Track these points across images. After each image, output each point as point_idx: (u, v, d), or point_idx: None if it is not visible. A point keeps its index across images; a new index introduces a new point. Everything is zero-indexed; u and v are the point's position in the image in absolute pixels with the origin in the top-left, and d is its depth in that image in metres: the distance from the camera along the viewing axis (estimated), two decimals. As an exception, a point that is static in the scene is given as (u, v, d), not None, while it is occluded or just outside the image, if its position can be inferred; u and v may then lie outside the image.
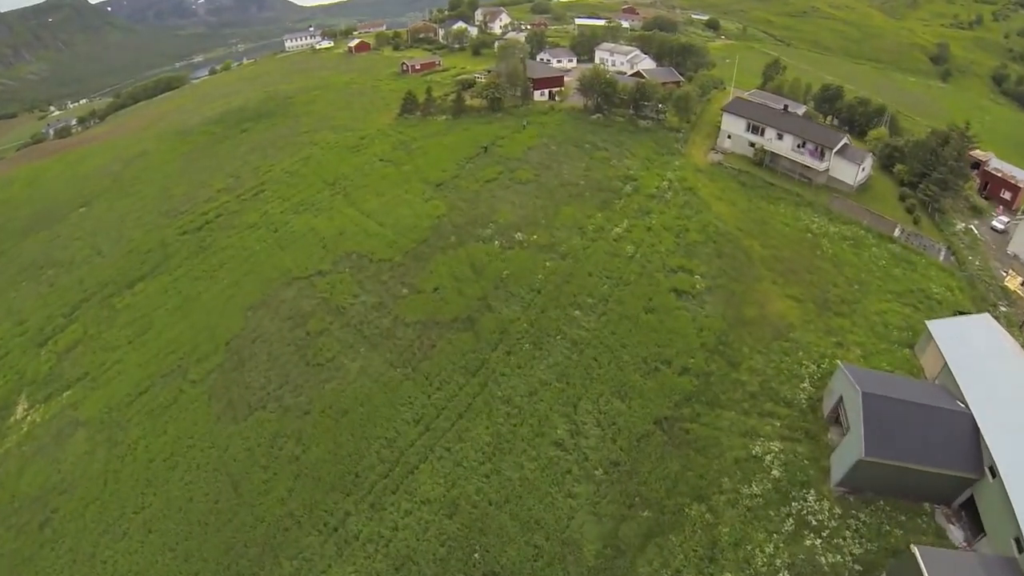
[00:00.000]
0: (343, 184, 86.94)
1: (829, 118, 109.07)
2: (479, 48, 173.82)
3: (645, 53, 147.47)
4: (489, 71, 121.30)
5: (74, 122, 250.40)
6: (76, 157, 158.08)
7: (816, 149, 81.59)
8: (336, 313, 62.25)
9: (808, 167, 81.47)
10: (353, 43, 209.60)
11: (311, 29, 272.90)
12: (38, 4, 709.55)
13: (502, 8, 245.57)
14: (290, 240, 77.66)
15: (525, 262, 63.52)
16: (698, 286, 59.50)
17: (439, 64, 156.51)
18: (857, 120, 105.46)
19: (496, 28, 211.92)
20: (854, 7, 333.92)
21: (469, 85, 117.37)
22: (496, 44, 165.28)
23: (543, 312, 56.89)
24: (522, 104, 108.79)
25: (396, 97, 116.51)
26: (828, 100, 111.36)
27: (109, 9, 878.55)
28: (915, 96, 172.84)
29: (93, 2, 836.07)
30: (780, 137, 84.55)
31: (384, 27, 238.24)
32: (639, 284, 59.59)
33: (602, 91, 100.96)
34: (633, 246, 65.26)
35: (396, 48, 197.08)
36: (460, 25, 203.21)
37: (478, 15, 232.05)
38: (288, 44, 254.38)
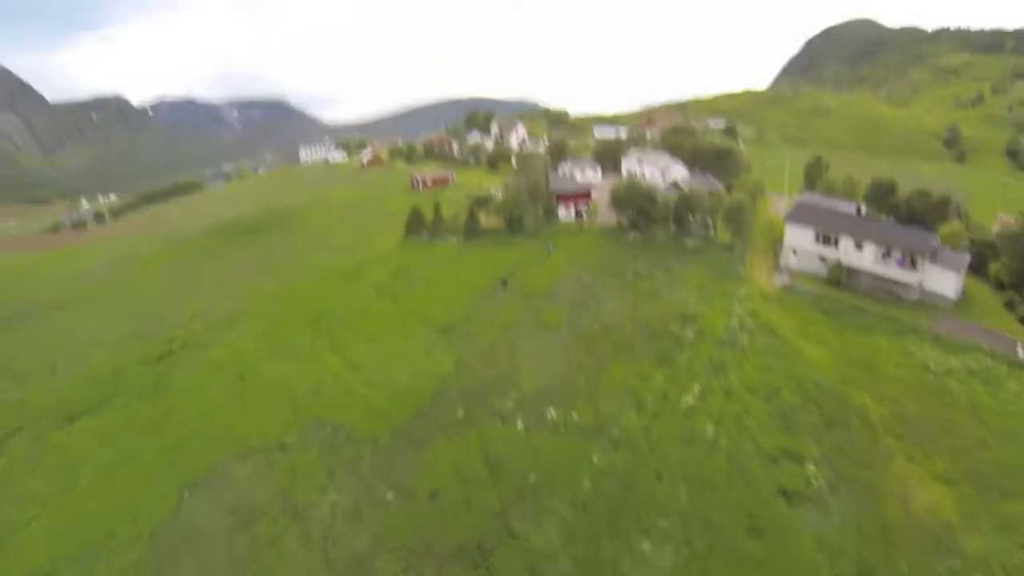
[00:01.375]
0: (329, 322, 72.66)
1: (886, 216, 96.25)
2: (495, 162, 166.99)
3: (676, 160, 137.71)
4: (506, 185, 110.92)
5: (91, 217, 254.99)
6: (71, 253, 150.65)
7: (905, 258, 67.92)
8: (295, 515, 45.44)
9: (896, 281, 68.06)
10: (365, 158, 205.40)
11: (325, 140, 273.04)
12: (85, 100, 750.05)
13: (518, 120, 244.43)
14: (256, 393, 62.30)
15: (562, 456, 46.69)
16: (813, 481, 42.33)
17: (452, 179, 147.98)
18: (917, 215, 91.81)
19: (513, 141, 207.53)
20: (859, 103, 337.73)
21: (484, 202, 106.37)
22: (514, 157, 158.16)
23: (594, 542, 39.51)
24: (545, 224, 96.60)
25: (403, 215, 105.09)
26: (880, 196, 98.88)
27: (151, 113, 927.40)
28: (938, 182, 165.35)
29: (136, 105, 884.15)
30: (859, 247, 71.00)
31: (399, 142, 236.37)
32: (732, 487, 42.39)
33: (639, 206, 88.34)
34: (713, 423, 48.60)
35: (409, 162, 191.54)
36: (475, 138, 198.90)
37: (494, 128, 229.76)
38: (303, 156, 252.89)
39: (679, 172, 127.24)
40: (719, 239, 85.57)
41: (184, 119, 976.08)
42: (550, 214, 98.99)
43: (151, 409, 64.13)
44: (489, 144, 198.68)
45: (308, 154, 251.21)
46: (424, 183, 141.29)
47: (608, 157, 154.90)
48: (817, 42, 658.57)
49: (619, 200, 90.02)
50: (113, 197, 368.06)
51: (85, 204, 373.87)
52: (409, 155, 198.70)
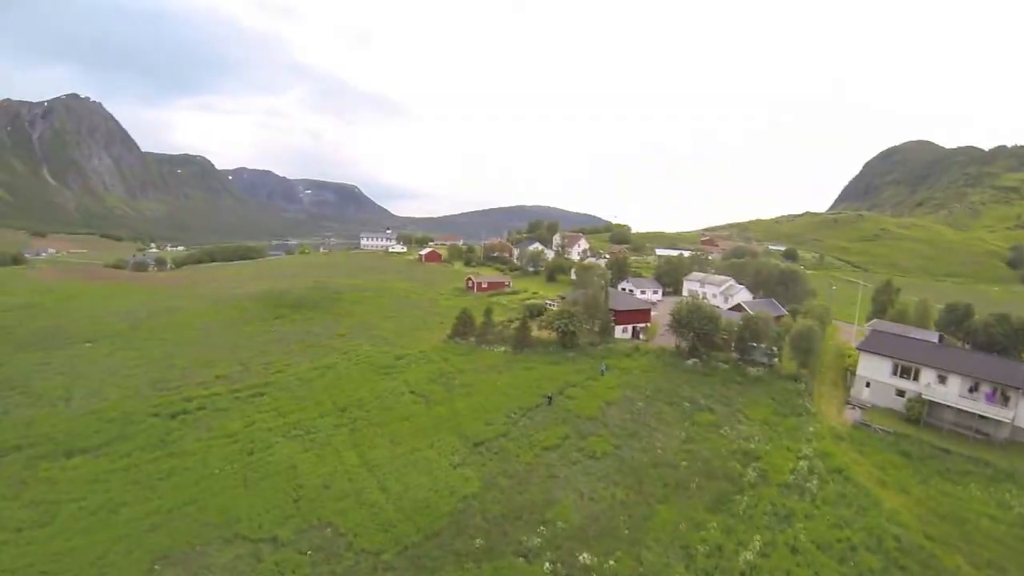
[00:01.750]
0: (354, 414, 66.80)
1: (962, 344, 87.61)
2: (554, 273, 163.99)
3: (738, 283, 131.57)
4: (563, 298, 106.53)
5: (152, 263, 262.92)
6: (120, 291, 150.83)
7: (995, 391, 60.46)
8: (263, 626, 38.01)
9: (986, 418, 60.03)
10: (424, 252, 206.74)
11: (388, 232, 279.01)
12: (173, 155, 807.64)
13: (581, 234, 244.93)
14: (261, 473, 56.05)
15: (592, 613, 38.23)
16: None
17: (508, 285, 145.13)
18: (997, 342, 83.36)
19: (575, 254, 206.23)
20: (921, 225, 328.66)
21: (539, 312, 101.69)
22: (574, 270, 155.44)
23: None
24: (600, 342, 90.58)
25: (453, 316, 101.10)
26: (955, 322, 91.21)
27: (230, 178, 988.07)
28: (1009, 306, 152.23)
29: (219, 168, 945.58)
30: (942, 380, 63.53)
31: (460, 242, 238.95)
32: None
33: (701, 329, 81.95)
34: (778, 589, 39.82)
35: (467, 263, 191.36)
36: (536, 247, 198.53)
37: (556, 239, 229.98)
38: (364, 242, 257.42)
39: (742, 296, 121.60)
40: (784, 368, 78.82)
41: (260, 189, 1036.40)
42: (606, 332, 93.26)
43: (150, 465, 59.76)
44: (549, 254, 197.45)
45: (369, 241, 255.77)
46: (479, 286, 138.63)
47: (669, 277, 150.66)
48: (875, 164, 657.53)
49: (680, 322, 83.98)
50: (181, 248, 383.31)
51: (154, 248, 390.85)
52: (468, 256, 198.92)
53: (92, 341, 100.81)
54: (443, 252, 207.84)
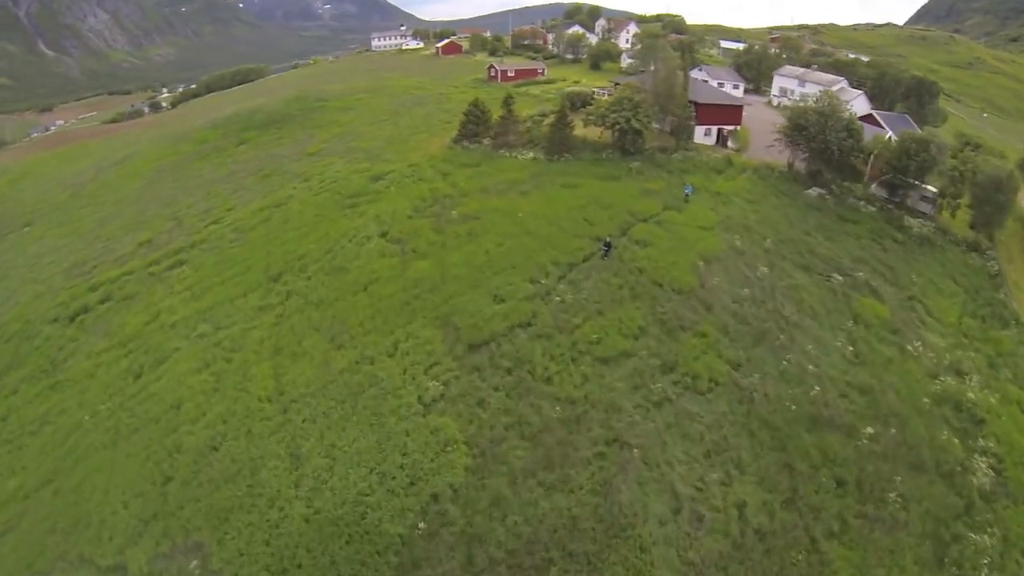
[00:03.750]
0: (290, 284, 41.81)
1: None
2: (599, 60, 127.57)
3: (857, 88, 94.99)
4: (616, 84, 74.00)
5: (147, 108, 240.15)
6: (75, 154, 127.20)
7: None
8: None
9: None
10: (440, 44, 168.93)
11: (402, 28, 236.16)
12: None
13: (630, 20, 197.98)
14: (136, 420, 33.56)
15: None
16: None
17: (542, 73, 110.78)
18: None
19: (622, 41, 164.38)
20: (1019, 60, 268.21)
21: (584, 103, 70.07)
22: (631, 42, 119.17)
23: None
24: (674, 148, 60.14)
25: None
26: None
27: (240, 5, 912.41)
28: None
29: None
30: None
31: (487, 34, 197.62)
32: None
33: (837, 145, 51.42)
34: None
35: (492, 53, 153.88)
36: (577, 30, 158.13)
37: (600, 24, 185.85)
38: (375, 43, 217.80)
39: (862, 105, 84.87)
40: (952, 226, 50.18)
41: (274, 11, 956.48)
42: (683, 133, 61.98)
43: (29, 408, 39.96)
44: (592, 39, 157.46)
45: (380, 41, 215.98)
46: (504, 75, 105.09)
47: (750, 70, 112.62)
48: None
49: (799, 129, 53.41)
50: (193, 87, 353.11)
51: (165, 92, 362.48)
52: (494, 46, 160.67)
53: (31, 223, 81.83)
54: (464, 44, 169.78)
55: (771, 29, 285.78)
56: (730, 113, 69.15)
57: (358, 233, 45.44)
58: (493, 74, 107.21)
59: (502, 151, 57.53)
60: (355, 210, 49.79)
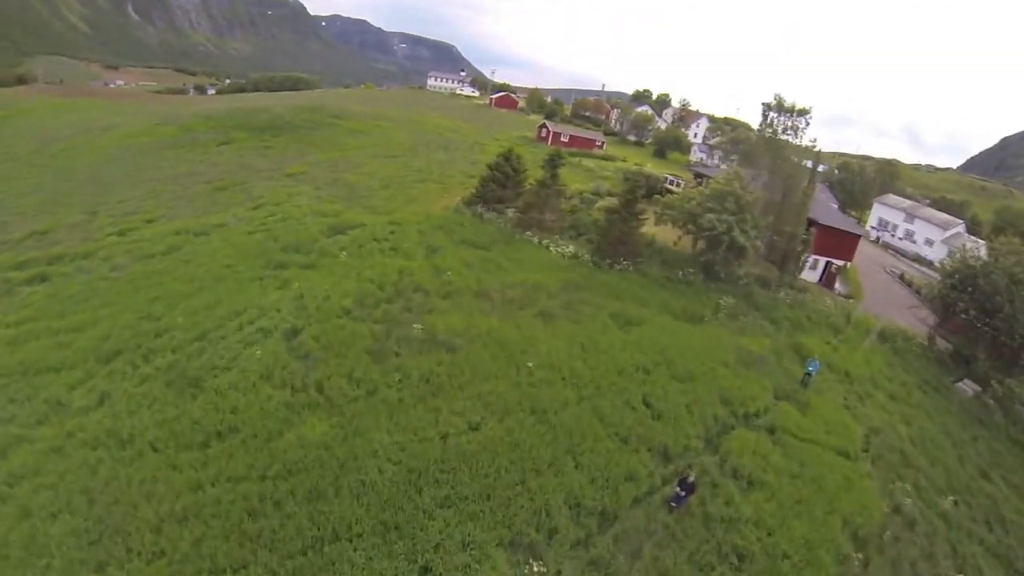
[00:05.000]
0: (111, 385, 22.94)
1: None
2: (666, 147, 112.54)
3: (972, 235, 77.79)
4: (701, 177, 56.57)
5: (192, 90, 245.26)
6: (77, 107, 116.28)
7: None
8: None
9: None
10: (495, 95, 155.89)
11: (462, 74, 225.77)
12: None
13: (703, 115, 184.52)
14: None
15: None
16: None
17: (600, 146, 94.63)
18: None
19: (692, 134, 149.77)
20: None
21: (653, 191, 52.31)
22: (704, 136, 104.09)
23: None
24: (778, 283, 41.55)
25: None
26: None
27: (323, 24, 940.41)
28: None
29: (312, 13, 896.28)
30: None
31: (547, 99, 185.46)
32: None
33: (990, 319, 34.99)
34: None
35: (549, 116, 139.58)
36: (645, 110, 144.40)
37: (670, 111, 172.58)
38: (430, 82, 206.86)
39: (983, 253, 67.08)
40: None
41: (353, 38, 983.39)
42: (789, 265, 43.55)
43: None
44: (662, 124, 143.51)
45: (436, 81, 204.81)
46: (557, 138, 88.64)
47: (843, 194, 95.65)
48: (1015, 143, 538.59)
49: (956, 293, 36.52)
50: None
51: (228, 83, 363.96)
52: (552, 109, 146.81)
53: None
54: (520, 102, 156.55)
55: (838, 155, 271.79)
56: (846, 244, 50.98)
57: (257, 319, 26.78)
58: (544, 134, 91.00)
59: (530, 233, 39.00)
60: (278, 275, 31.14)
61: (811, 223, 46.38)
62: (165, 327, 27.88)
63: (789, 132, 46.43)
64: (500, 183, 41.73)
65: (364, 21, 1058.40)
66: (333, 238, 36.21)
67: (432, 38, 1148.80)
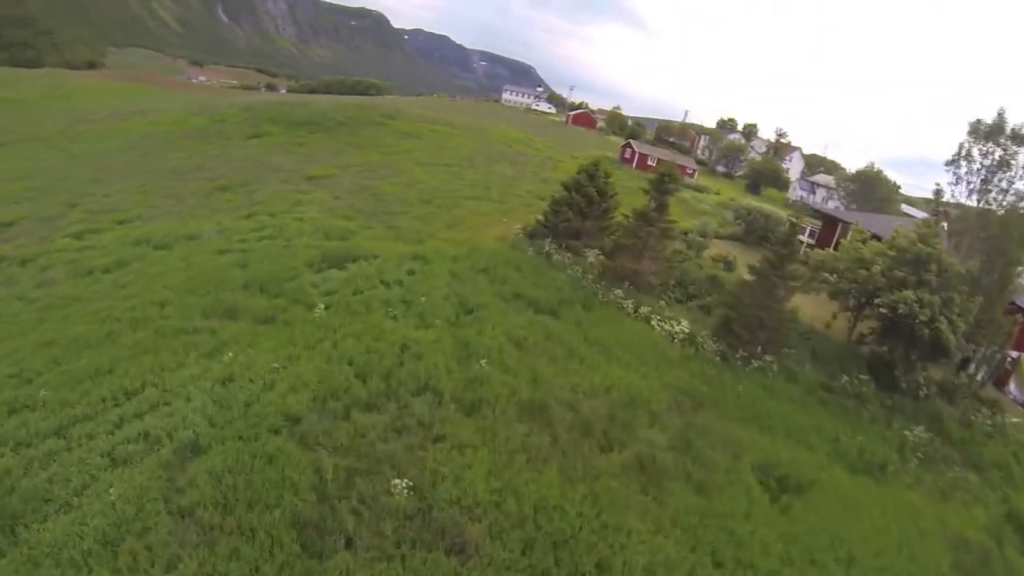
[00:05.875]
0: None
1: None
2: (760, 181, 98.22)
3: None
4: (836, 224, 42.34)
5: (264, 88, 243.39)
6: (125, 92, 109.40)
7: None
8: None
9: None
10: (573, 112, 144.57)
11: (539, 89, 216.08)
12: (350, 7, 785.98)
13: (796, 149, 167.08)
14: None
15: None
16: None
17: (692, 175, 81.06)
18: None
19: (788, 169, 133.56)
20: None
21: (764, 238, 38.43)
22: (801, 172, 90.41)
23: None
24: (962, 395, 26.93)
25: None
26: None
27: (406, 37, 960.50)
28: None
29: (395, 26, 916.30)
30: None
31: (629, 122, 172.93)
32: None
33: None
34: None
35: (631, 138, 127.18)
36: (737, 138, 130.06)
37: (760, 141, 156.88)
38: (505, 96, 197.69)
39: None
40: None
41: (433, 52, 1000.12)
42: (990, 369, 28.90)
43: None
44: (755, 155, 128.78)
45: (512, 96, 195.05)
46: (643, 160, 75.68)
47: None
48: None
49: None
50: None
51: (300, 83, 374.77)
52: (634, 132, 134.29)
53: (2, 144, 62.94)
54: (600, 123, 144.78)
55: (936, 202, 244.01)
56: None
57: (149, 411, 15.28)
58: (628, 155, 78.20)
59: (621, 292, 25.68)
60: (217, 331, 19.34)
61: (1016, 308, 31.57)
62: (24, 401, 16.74)
63: (1002, 170, 31.85)
64: (579, 210, 28.77)
65: (446, 37, 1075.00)
66: (323, 273, 24.17)
67: (511, 58, 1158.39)
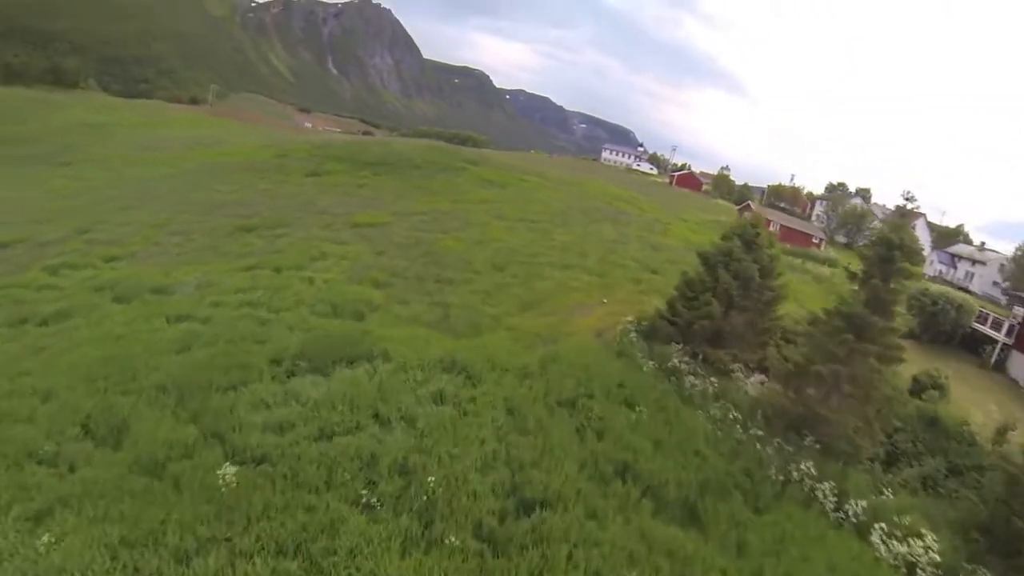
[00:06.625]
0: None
1: None
2: (891, 252, 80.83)
3: None
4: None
5: (360, 133, 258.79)
6: (215, 123, 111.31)
7: None
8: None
9: None
10: (677, 173, 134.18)
11: (640, 149, 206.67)
12: (454, 66, 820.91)
13: (921, 215, 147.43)
14: None
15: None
16: None
17: (819, 244, 67.90)
18: None
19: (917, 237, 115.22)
20: None
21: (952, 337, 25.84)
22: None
23: None
24: None
25: (689, 261, 29.24)
26: None
27: (507, 97, 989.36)
28: None
29: (497, 86, 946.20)
30: None
31: (736, 184, 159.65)
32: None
33: None
34: None
35: (740, 203, 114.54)
36: (859, 203, 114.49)
37: (881, 207, 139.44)
38: (605, 155, 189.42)
39: None
40: None
41: (534, 113, 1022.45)
42: None
43: None
44: (878, 224, 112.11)
45: (611, 155, 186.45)
46: (767, 226, 63.10)
47: None
48: None
49: None
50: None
51: (395, 133, 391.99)
52: (743, 195, 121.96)
53: (70, 163, 62.59)
54: (706, 185, 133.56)
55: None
56: None
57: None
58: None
59: (806, 466, 13.85)
60: (43, 490, 9.67)
61: None
62: None
63: None
64: (728, 298, 17.73)
65: (546, 98, 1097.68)
66: (291, 382, 14.16)
67: (611, 120, 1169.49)
